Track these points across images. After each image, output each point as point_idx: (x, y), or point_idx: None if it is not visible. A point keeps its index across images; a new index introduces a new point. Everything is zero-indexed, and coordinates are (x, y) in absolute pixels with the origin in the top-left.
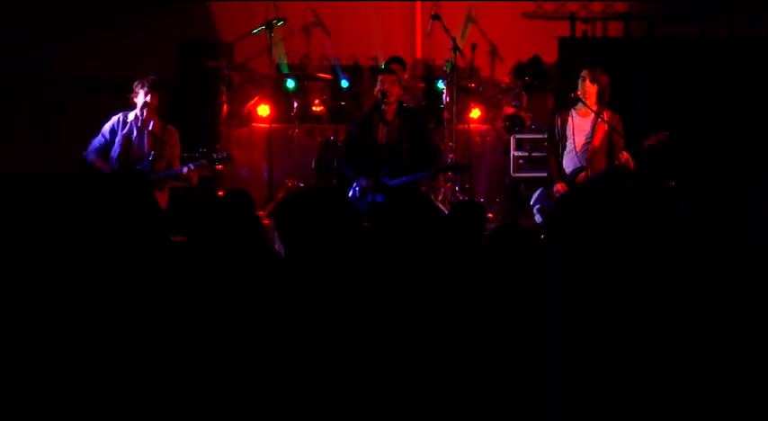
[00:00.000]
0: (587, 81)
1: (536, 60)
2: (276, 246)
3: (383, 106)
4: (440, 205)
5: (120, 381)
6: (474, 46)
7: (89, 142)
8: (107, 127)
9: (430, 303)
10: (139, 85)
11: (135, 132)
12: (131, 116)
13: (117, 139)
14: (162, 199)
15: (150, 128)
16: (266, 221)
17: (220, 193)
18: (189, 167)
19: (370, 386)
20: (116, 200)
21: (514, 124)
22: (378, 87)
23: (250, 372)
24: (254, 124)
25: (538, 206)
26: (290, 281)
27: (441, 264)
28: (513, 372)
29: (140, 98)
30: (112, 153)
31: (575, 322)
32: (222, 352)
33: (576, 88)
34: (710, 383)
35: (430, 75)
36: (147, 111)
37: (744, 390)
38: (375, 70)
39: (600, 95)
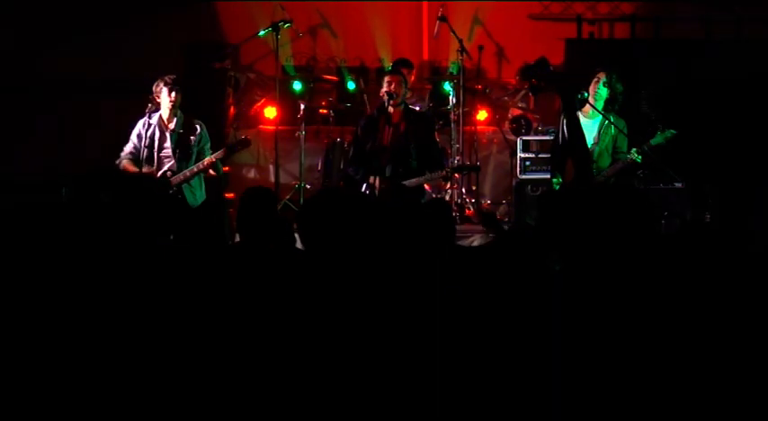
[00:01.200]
0: (601, 83)
1: (542, 62)
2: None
3: (389, 108)
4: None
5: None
6: (481, 47)
7: (113, 147)
8: (134, 133)
9: (431, 302)
10: (161, 85)
11: (158, 133)
12: (155, 118)
13: (143, 142)
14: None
15: (173, 127)
16: None
17: (228, 196)
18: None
19: (372, 384)
20: (129, 201)
21: (521, 126)
22: (384, 89)
23: (264, 367)
24: (261, 126)
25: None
26: (310, 279)
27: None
28: (514, 372)
29: (164, 97)
30: (140, 156)
31: (575, 323)
32: (242, 345)
33: (584, 89)
34: (710, 383)
35: (436, 76)
36: (171, 111)
37: (743, 391)
38: (381, 72)
39: (610, 101)
